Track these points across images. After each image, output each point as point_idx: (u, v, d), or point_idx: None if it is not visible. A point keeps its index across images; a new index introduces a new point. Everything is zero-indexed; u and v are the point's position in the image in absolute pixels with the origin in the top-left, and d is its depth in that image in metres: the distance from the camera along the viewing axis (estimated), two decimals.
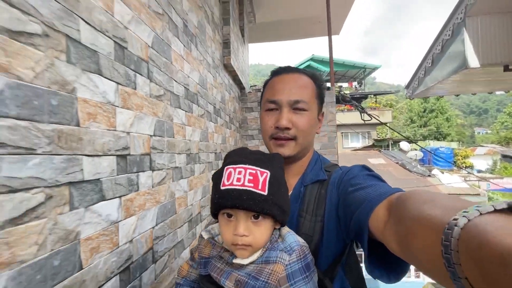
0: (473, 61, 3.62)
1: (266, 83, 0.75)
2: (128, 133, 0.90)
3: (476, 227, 0.26)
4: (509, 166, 18.52)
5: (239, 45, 3.18)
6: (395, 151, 15.49)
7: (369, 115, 4.13)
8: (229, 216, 0.54)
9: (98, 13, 0.76)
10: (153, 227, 1.07)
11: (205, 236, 0.63)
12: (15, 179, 0.51)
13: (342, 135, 17.78)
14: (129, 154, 0.91)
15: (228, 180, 0.52)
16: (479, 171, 18.23)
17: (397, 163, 11.50)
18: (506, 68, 3.70)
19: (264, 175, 0.52)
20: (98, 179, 0.75)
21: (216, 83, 2.27)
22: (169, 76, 1.28)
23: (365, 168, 0.65)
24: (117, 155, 0.84)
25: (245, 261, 0.55)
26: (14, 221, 0.51)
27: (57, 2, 0.63)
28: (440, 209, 0.33)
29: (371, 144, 17.33)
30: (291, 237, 0.57)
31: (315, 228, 0.63)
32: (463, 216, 0.27)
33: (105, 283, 0.78)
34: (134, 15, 0.97)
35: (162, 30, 1.20)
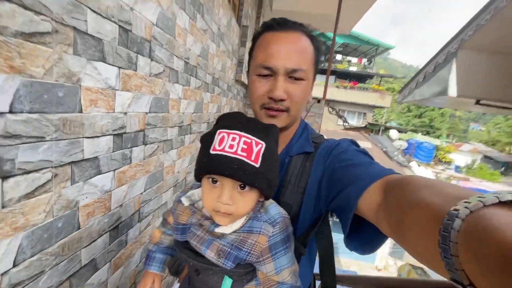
0: (452, 91, 4.15)
1: (256, 38, 0.65)
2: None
3: (479, 220, 0.24)
4: (484, 167, 19.67)
5: None
6: (384, 137, 16.27)
7: (347, 122, 4.76)
8: (214, 181, 0.51)
9: None
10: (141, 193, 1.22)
11: (186, 203, 0.60)
12: (28, 163, 0.63)
13: (339, 111, 18.15)
14: None
15: (220, 145, 0.48)
16: (457, 167, 19.49)
17: (382, 149, 12.41)
18: (477, 102, 4.28)
19: (259, 146, 0.49)
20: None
21: (228, 100, 2.84)
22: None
23: (353, 143, 0.64)
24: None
25: (227, 230, 0.54)
26: (28, 196, 0.64)
27: None
28: (439, 197, 0.32)
29: (364, 125, 17.95)
30: (275, 209, 0.57)
31: (295, 198, 0.63)
32: (465, 207, 0.26)
33: (97, 239, 0.94)
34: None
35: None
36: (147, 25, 1.06)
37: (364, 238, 0.51)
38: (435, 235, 0.28)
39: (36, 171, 0.67)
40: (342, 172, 0.55)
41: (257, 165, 0.48)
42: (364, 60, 21.84)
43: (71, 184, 0.79)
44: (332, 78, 19.15)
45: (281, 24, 0.62)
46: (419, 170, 12.18)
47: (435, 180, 0.38)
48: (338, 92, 16.96)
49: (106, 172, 0.95)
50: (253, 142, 0.49)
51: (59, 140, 0.72)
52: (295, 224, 0.63)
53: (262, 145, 0.50)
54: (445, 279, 0.27)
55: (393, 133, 15.61)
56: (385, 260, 11.06)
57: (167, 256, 0.72)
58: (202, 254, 0.56)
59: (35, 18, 0.61)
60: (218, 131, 0.50)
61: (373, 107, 17.96)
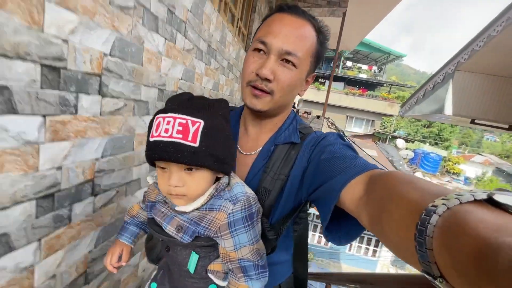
0: (448, 109, 4.42)
1: (266, 18, 0.66)
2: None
3: (455, 216, 0.26)
4: (495, 180, 19.32)
5: None
6: (391, 146, 16.28)
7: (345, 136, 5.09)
8: (163, 167, 0.53)
9: None
10: None
11: (150, 181, 0.65)
12: (106, 185, 1.04)
13: (347, 118, 18.26)
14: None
15: (156, 131, 0.49)
16: (467, 178, 19.26)
17: (387, 158, 12.53)
18: (473, 121, 4.54)
19: (196, 125, 0.49)
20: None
21: None
22: None
23: (340, 136, 0.65)
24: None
25: (187, 209, 0.56)
26: (104, 205, 1.05)
27: None
28: (419, 193, 0.33)
29: (371, 133, 18.00)
30: (239, 188, 0.58)
31: (275, 184, 0.64)
32: (443, 204, 0.27)
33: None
34: None
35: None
36: (175, 81, 1.47)
37: (343, 230, 0.52)
38: (412, 229, 0.29)
39: (109, 190, 1.08)
40: (326, 164, 0.56)
41: (196, 145, 0.49)
42: (375, 68, 21.92)
43: (125, 197, 1.21)
44: (341, 85, 19.31)
45: (291, 8, 0.63)
46: None
47: (416, 176, 0.39)
48: (347, 99, 17.15)
49: (144, 188, 1.36)
50: (189, 122, 0.49)
51: (120, 170, 1.14)
52: (272, 210, 0.65)
53: (200, 123, 0.49)
54: (418, 272, 0.29)
55: (400, 142, 15.65)
56: (387, 268, 11.19)
57: (140, 230, 0.75)
58: (163, 229, 0.58)
59: (116, 101, 1.03)
60: (156, 116, 0.51)
61: (381, 115, 18.01)
